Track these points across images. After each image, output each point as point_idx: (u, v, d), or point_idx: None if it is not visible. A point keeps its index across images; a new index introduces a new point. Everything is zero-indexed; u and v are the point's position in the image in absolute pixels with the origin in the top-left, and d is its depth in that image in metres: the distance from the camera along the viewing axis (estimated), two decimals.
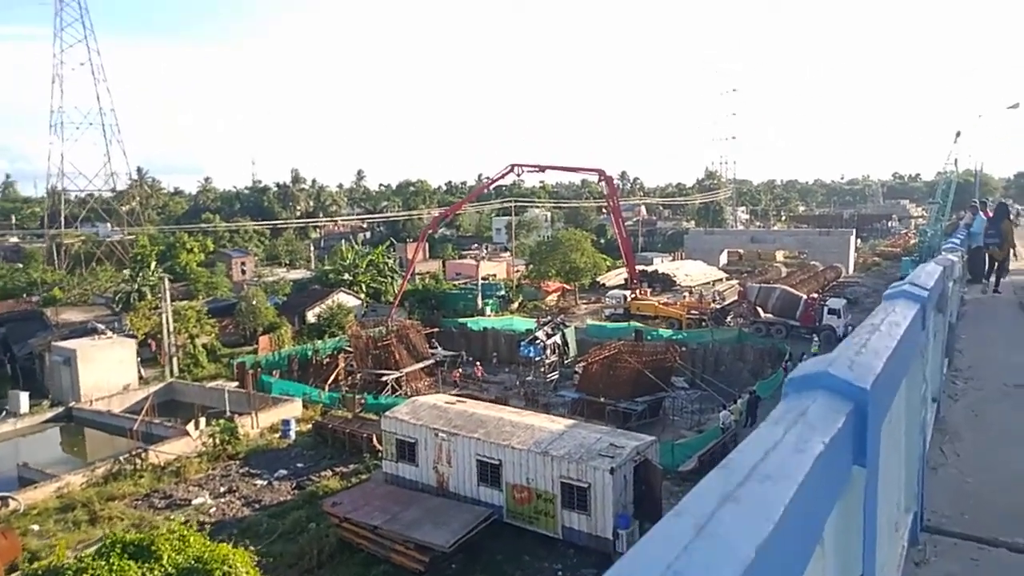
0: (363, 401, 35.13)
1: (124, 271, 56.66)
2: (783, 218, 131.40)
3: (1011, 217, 16.39)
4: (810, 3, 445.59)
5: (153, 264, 57.82)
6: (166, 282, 43.14)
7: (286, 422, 30.70)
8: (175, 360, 42.88)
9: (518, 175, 52.71)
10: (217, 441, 28.16)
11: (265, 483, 25.97)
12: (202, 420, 29.93)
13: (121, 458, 26.97)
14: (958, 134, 58.34)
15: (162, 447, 28.18)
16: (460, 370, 44.34)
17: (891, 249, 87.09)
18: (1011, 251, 15.37)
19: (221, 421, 29.22)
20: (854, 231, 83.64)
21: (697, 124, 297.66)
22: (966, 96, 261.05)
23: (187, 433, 29.01)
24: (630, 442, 20.03)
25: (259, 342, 46.22)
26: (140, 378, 40.81)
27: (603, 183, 54.10)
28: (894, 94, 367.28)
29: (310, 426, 31.47)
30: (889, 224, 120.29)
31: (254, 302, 49.58)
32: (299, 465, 27.58)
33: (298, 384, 39.24)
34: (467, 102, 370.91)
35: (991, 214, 15.92)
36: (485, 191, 75.09)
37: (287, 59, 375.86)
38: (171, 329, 42.26)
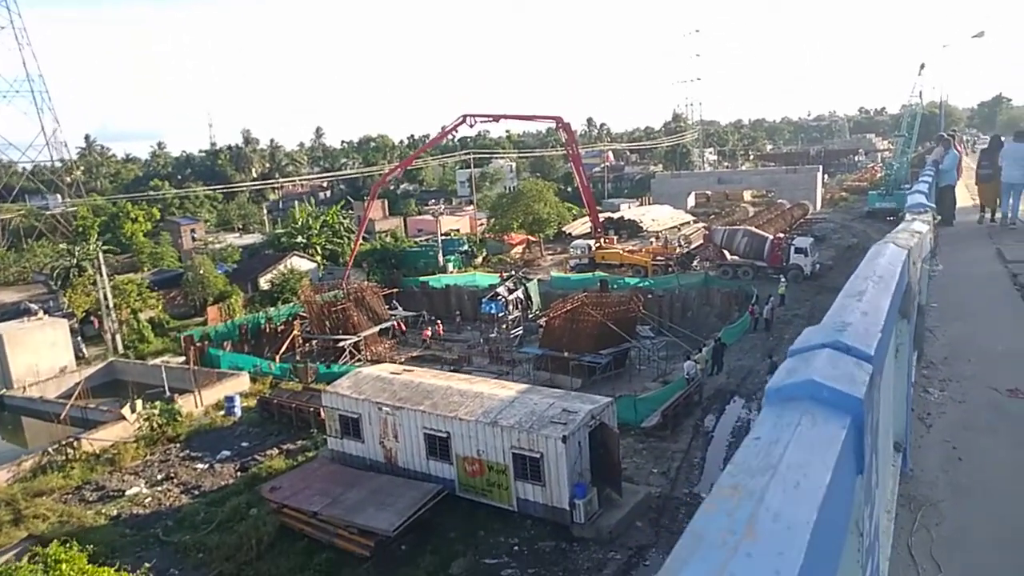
0: (315, 371, 33.44)
1: (61, 245, 53.60)
2: (751, 157, 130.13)
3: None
4: None
5: (94, 236, 54.78)
6: (100, 255, 40.54)
7: (230, 399, 28.98)
8: (118, 337, 40.71)
9: (471, 125, 50.28)
10: (155, 424, 26.37)
11: (206, 467, 24.37)
12: (139, 402, 27.99)
13: (50, 449, 25.13)
14: (922, 66, 57.25)
15: (96, 434, 26.37)
16: (429, 329, 42.82)
17: (858, 183, 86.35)
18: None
19: (158, 402, 27.35)
20: (820, 167, 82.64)
21: (662, 67, 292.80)
22: (930, 26, 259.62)
23: (123, 417, 27.18)
24: (584, 406, 18.67)
25: (208, 313, 44.08)
26: (80, 358, 38.66)
27: (561, 131, 51.90)
28: (858, 27, 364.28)
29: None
30: (856, 159, 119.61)
31: (201, 271, 47.24)
32: (243, 444, 25.99)
33: (248, 356, 37.38)
34: (430, 53, 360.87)
35: (959, 148, 14.80)
36: (441, 143, 72.26)
37: (244, 17, 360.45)
38: (111, 304, 39.95)
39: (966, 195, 17.24)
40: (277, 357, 37.59)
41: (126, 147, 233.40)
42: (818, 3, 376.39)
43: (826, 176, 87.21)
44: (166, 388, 30.63)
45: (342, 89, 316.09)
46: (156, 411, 26.63)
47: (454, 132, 55.93)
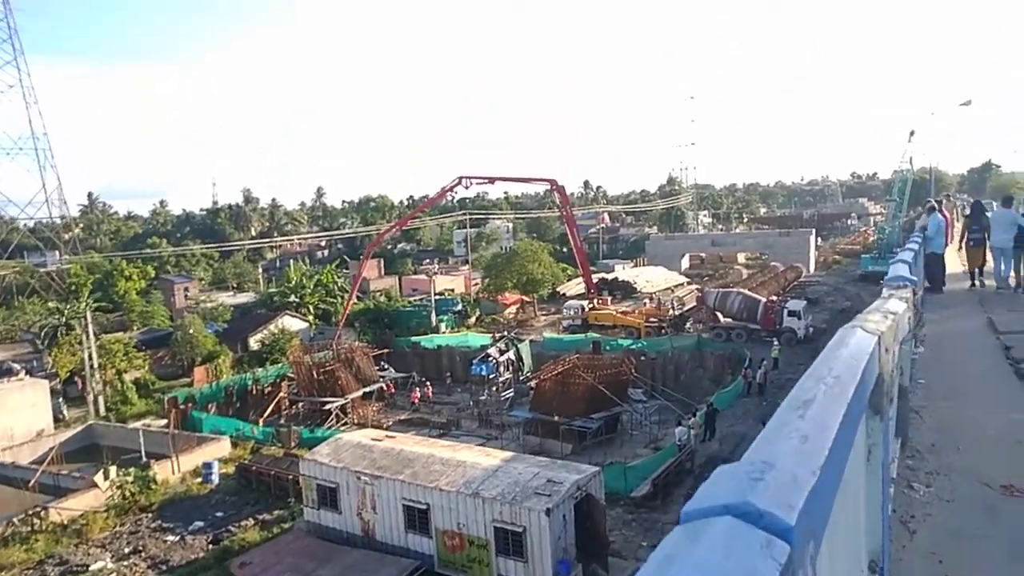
0: (298, 435, 32.57)
1: (50, 303, 53.19)
2: (745, 220, 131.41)
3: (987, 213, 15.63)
4: (764, 9, 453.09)
5: (86, 294, 54.47)
6: (88, 314, 40.08)
7: (208, 465, 28.04)
8: (100, 399, 39.88)
9: (466, 187, 50.77)
10: (128, 492, 25.40)
11: (177, 539, 23.32)
12: (112, 468, 27.05)
13: (15, 519, 24.11)
14: (912, 133, 58.63)
15: (65, 502, 25.36)
16: (418, 392, 42.06)
17: (851, 247, 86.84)
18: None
19: (132, 468, 26.44)
20: (814, 230, 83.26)
21: (658, 131, 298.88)
22: (921, 94, 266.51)
23: (95, 484, 26.21)
24: (570, 476, 17.97)
25: (194, 374, 43.34)
26: (60, 421, 37.75)
27: (555, 193, 52.31)
28: (850, 95, 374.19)
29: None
30: (849, 222, 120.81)
31: (191, 330, 46.71)
32: (218, 514, 24.98)
33: (230, 420, 36.50)
34: (433, 115, 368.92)
35: (947, 213, 14.84)
36: (439, 203, 72.86)
37: (251, 79, 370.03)
38: (95, 365, 39.27)
39: (956, 260, 17.03)
40: (261, 420, 36.71)
41: (131, 205, 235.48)
42: (811, 71, 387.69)
43: (819, 239, 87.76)
44: (143, 453, 29.73)
45: (346, 150, 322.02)
46: (129, 478, 25.71)
47: (452, 193, 56.39)
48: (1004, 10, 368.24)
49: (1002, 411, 5.45)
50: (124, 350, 42.45)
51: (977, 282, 14.03)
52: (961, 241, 15.21)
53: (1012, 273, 13.32)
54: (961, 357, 7.55)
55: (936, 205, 16.05)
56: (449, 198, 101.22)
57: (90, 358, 38.85)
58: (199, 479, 27.98)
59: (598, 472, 18.91)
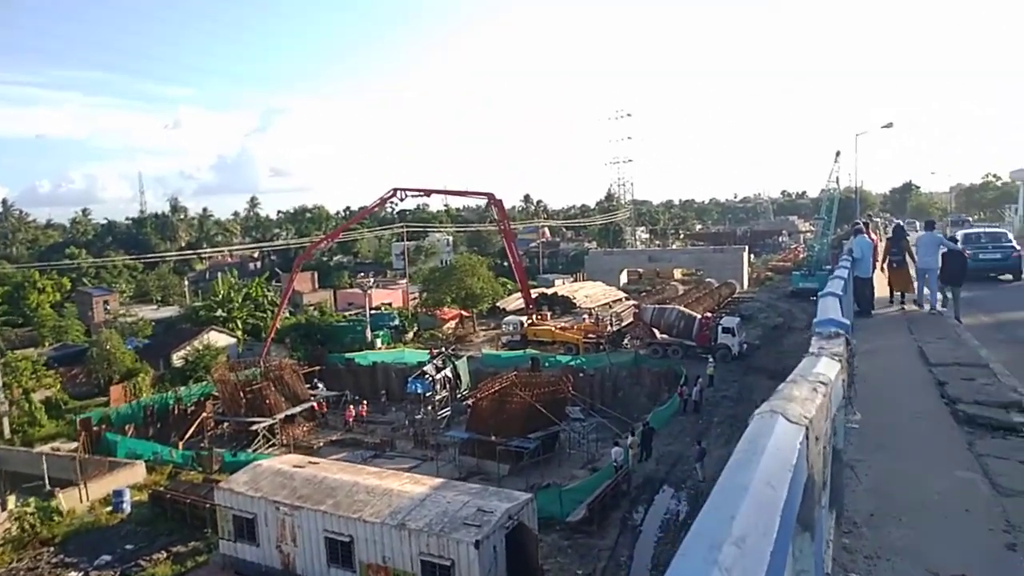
0: (220, 459, 30.89)
1: None
2: (681, 236, 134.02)
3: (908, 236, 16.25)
4: (692, 27, 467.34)
5: None
6: None
7: (118, 492, 26.15)
8: (5, 420, 37.13)
9: (401, 199, 49.72)
10: (27, 524, 23.40)
11: (81, 575, 21.56)
12: (11, 498, 24.94)
13: None
14: (838, 153, 60.42)
15: None
16: (352, 410, 40.68)
17: (782, 263, 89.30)
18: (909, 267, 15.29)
19: (31, 499, 24.41)
20: (747, 247, 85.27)
21: (597, 147, 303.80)
22: (847, 116, 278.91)
23: None
24: (501, 504, 17.28)
25: (111, 392, 40.86)
26: None
27: (493, 207, 51.86)
28: (780, 115, 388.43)
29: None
30: (780, 239, 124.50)
31: (107, 346, 44.12)
32: (128, 547, 23.20)
33: (147, 442, 34.43)
34: (372, 126, 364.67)
35: (873, 235, 15.07)
36: (374, 214, 71.46)
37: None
38: None
39: (882, 281, 17.25)
40: (181, 443, 34.74)
41: (55, 213, 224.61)
42: (745, 91, 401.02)
43: (752, 256, 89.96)
44: (46, 481, 27.58)
45: (282, 162, 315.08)
46: (29, 509, 23.72)
47: (390, 204, 55.16)
48: (924, 38, 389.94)
49: (944, 466, 5.05)
50: (32, 367, 39.68)
51: (901, 305, 14.29)
52: (883, 264, 15.41)
53: (936, 298, 13.54)
54: (894, 393, 7.23)
55: (863, 226, 16.22)
56: (389, 209, 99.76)
57: None
58: (109, 508, 26.08)
59: (531, 499, 18.29)
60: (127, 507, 25.88)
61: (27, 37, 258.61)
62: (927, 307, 13.60)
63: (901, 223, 18.24)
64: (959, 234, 17.83)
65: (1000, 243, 19.98)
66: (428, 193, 51.33)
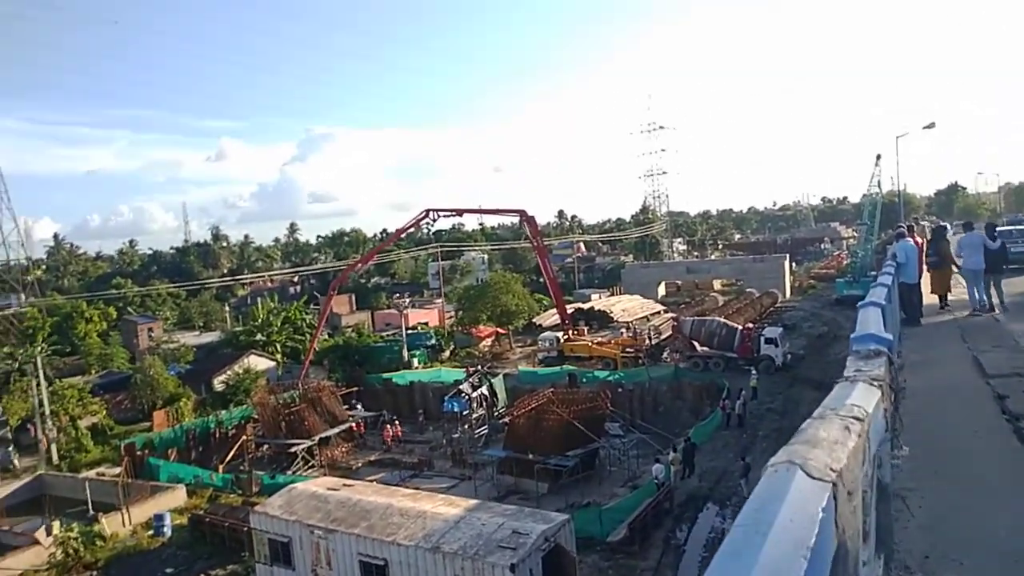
0: (259, 481, 30.96)
1: (5, 348, 51.08)
2: (719, 247, 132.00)
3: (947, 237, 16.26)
4: (726, 32, 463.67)
5: (41, 337, 52.41)
6: (38, 358, 38.28)
7: (159, 517, 26.33)
8: (54, 446, 37.95)
9: (434, 220, 49.86)
10: (70, 549, 23.67)
11: None
12: (56, 523, 25.29)
13: None
14: (879, 157, 58.87)
15: (3, 562, 23.55)
16: (390, 430, 40.59)
17: (825, 271, 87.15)
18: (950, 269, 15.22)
19: (75, 524, 24.72)
20: (788, 255, 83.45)
21: (632, 159, 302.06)
22: (886, 119, 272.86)
23: (37, 541, 24.44)
24: (537, 526, 16.77)
25: (154, 418, 41.52)
26: (9, 470, 35.80)
27: (525, 224, 51.64)
28: (819, 121, 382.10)
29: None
30: (822, 246, 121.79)
31: (151, 372, 44.94)
32: (168, 571, 23.31)
33: (189, 466, 34.77)
34: (410, 149, 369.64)
35: (919, 239, 14.37)
36: (409, 234, 71.88)
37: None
38: (47, 411, 37.41)
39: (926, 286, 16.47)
40: (221, 466, 35.00)
41: (105, 245, 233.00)
42: (780, 98, 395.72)
43: (793, 264, 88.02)
44: (89, 505, 27.94)
45: (323, 188, 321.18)
46: (73, 534, 24.00)
47: (425, 225, 55.54)
48: (965, 37, 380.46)
49: (1009, 496, 4.39)
50: (78, 395, 40.57)
51: (943, 306, 14.34)
52: (921, 266, 14.90)
53: (984, 296, 13.57)
54: (949, 410, 6.55)
55: (906, 230, 15.45)
56: (425, 230, 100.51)
57: (41, 404, 37.01)
58: (151, 532, 26.28)
59: (568, 520, 17.72)
60: (168, 531, 26.04)
61: (76, 78, 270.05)
62: (975, 307, 13.54)
63: (945, 224, 18.29)
64: (998, 231, 17.48)
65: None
66: (460, 213, 51.46)
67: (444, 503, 18.77)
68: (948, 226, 20.45)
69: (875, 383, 2.50)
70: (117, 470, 34.92)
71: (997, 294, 13.61)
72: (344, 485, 21.11)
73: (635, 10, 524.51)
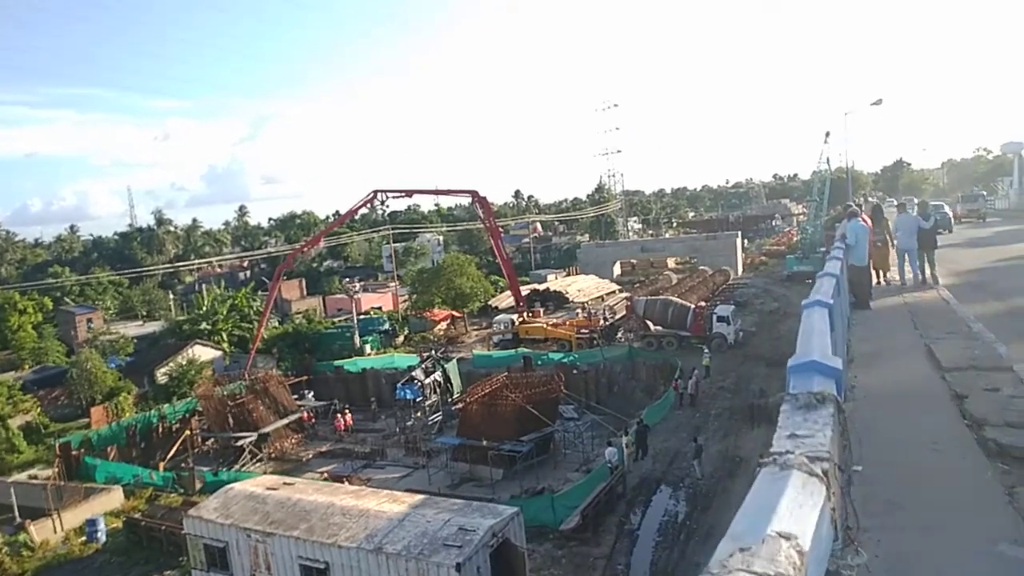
0: (202, 478, 29.74)
1: None
2: (674, 225, 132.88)
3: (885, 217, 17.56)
4: (678, 14, 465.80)
5: None
6: None
7: (91, 521, 24.97)
8: None
9: (382, 201, 48.50)
10: None
11: None
12: None
13: None
14: (827, 134, 59.36)
15: None
16: (341, 419, 39.51)
17: (776, 248, 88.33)
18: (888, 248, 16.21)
19: None
20: (740, 233, 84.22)
21: (587, 139, 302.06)
22: (835, 95, 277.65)
23: None
24: (484, 521, 16.17)
25: (91, 414, 39.65)
26: None
27: (477, 205, 50.67)
28: (768, 99, 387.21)
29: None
30: (773, 223, 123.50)
31: (88, 366, 42.86)
32: None
33: (128, 465, 33.26)
34: (361, 130, 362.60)
35: (866, 219, 14.32)
36: (348, 219, 70.21)
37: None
38: None
39: None
40: (162, 464, 33.58)
41: (47, 231, 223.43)
42: (731, 75, 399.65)
43: (745, 241, 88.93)
44: (15, 512, 26.38)
45: (274, 170, 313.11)
46: None
47: (382, 207, 53.74)
48: (912, 10, 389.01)
49: (980, 533, 3.75)
50: (8, 393, 38.44)
51: (883, 281, 15.52)
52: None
53: (918, 272, 14.87)
54: (903, 414, 5.97)
55: (856, 209, 15.22)
56: (380, 211, 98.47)
57: None
58: (83, 538, 24.93)
59: (517, 513, 17.15)
60: (102, 536, 24.73)
61: (15, 55, 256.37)
62: (908, 280, 14.88)
63: (880, 205, 20.27)
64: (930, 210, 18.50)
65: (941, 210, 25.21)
66: (410, 194, 50.22)
67: (388, 500, 18.03)
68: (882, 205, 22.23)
69: (817, 469, 1.81)
70: (51, 471, 33.26)
71: (930, 268, 14.67)
72: (284, 484, 20.18)
73: None
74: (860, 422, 5.31)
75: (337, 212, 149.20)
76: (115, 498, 28.13)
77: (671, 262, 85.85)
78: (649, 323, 44.16)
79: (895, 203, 23.87)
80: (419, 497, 18.73)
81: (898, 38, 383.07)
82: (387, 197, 47.77)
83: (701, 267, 71.09)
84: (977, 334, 8.30)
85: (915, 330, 9.14)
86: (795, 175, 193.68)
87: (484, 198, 49.69)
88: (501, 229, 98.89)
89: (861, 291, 11.87)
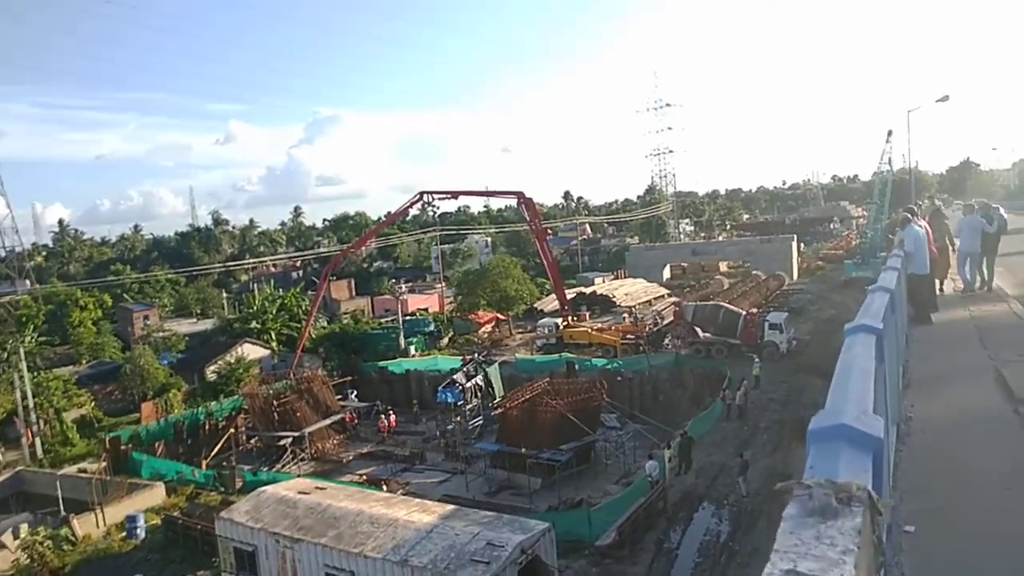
0: (242, 477, 29.93)
1: None
2: (727, 227, 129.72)
3: (946, 220, 16.73)
4: (736, 14, 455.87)
5: (33, 327, 51.53)
6: (21, 349, 37.31)
7: (132, 518, 25.31)
8: (38, 440, 37.08)
9: (428, 202, 48.41)
10: (35, 554, 22.68)
11: None
12: (23, 525, 24.31)
13: None
14: (890, 133, 57.07)
15: None
16: (384, 421, 39.51)
17: (834, 252, 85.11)
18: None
19: (40, 527, 23.71)
20: (795, 236, 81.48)
21: (637, 140, 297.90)
22: (898, 93, 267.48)
23: (2, 545, 23.48)
24: (514, 536, 15.54)
25: (142, 409, 40.57)
26: None
27: (523, 207, 50.11)
28: (828, 97, 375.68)
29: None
30: (831, 226, 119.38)
31: (141, 362, 43.96)
32: None
33: (172, 461, 33.79)
34: (418, 134, 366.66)
35: (926, 222, 13.21)
36: (395, 221, 70.55)
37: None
38: (29, 404, 36.50)
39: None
40: (205, 462, 33.98)
41: (115, 230, 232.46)
42: (790, 74, 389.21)
43: (802, 245, 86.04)
44: (60, 504, 26.95)
45: (331, 171, 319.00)
46: (40, 537, 23.01)
47: (431, 209, 53.82)
48: (979, 7, 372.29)
49: None
50: (63, 387, 39.62)
51: (943, 289, 14.69)
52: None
53: (977, 277, 14.19)
54: (967, 455, 5.02)
55: (909, 215, 13.86)
56: (431, 213, 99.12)
57: (23, 397, 36.09)
58: (123, 534, 25.28)
59: (548, 529, 16.47)
60: (141, 533, 25.04)
61: (84, 63, 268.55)
62: (968, 288, 14.11)
63: (938, 208, 18.79)
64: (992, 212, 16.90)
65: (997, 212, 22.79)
66: (456, 195, 50.02)
67: (418, 509, 17.59)
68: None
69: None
70: (98, 465, 34.04)
71: (988, 274, 14.12)
72: (316, 488, 19.96)
73: None
74: (916, 463, 4.48)
75: (388, 213, 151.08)
76: (157, 494, 28.52)
77: (723, 266, 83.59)
78: (698, 329, 42.77)
79: (960, 204, 22.23)
80: (449, 508, 18.22)
81: (965, 32, 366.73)
82: (433, 198, 47.69)
83: (754, 272, 68.89)
84: None
85: (984, 350, 8.09)
86: (855, 176, 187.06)
87: (530, 200, 49.08)
88: (549, 231, 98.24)
89: (921, 304, 10.79)
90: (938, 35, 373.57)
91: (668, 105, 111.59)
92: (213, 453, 35.72)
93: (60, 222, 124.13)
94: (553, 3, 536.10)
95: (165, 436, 38.19)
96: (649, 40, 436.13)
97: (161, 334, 53.88)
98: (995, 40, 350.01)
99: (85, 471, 32.96)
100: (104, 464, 31.48)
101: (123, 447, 34.83)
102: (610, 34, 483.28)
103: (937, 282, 14.29)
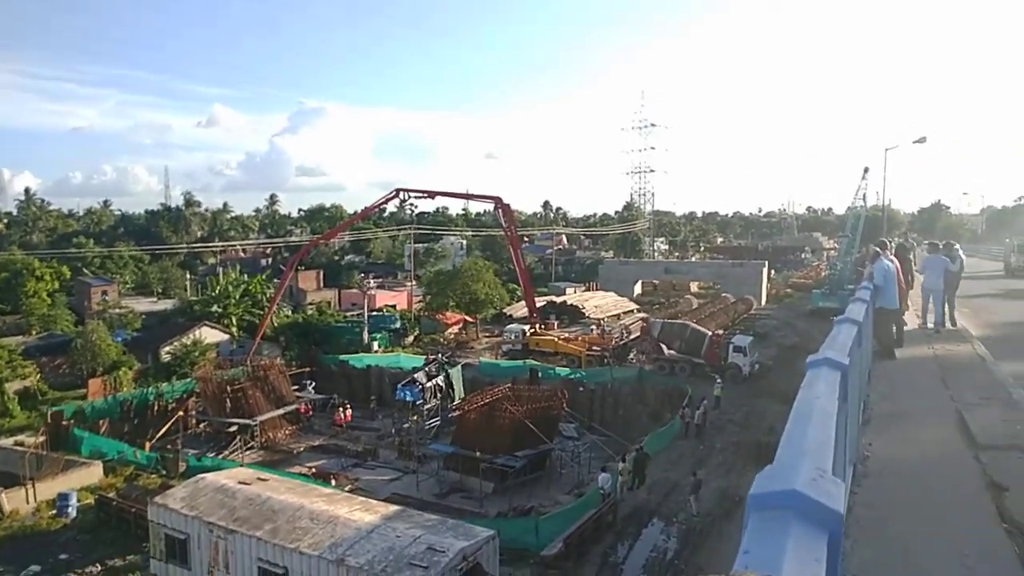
0: (185, 462, 28.99)
1: None
2: (701, 249, 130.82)
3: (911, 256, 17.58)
4: (725, 41, 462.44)
5: None
6: None
7: (63, 496, 24.29)
8: None
9: (403, 200, 47.79)
10: None
11: None
12: None
13: None
14: (866, 170, 57.68)
15: None
16: (341, 414, 38.74)
17: (803, 281, 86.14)
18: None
19: None
20: (767, 262, 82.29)
21: (620, 156, 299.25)
22: (876, 131, 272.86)
23: None
24: (456, 542, 15.07)
25: (89, 385, 39.26)
26: None
27: (500, 211, 49.75)
28: (809, 131, 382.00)
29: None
30: (802, 256, 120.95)
31: (93, 337, 42.59)
32: (62, 557, 21.29)
33: (114, 441, 32.64)
34: (401, 133, 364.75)
35: (893, 259, 12.99)
36: (367, 217, 69.78)
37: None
38: None
39: None
40: (149, 443, 32.90)
41: (85, 203, 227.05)
42: (774, 106, 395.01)
43: (772, 271, 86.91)
44: None
45: (312, 162, 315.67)
46: None
47: (411, 206, 53.28)
48: (958, 53, 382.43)
49: None
50: (8, 356, 38.19)
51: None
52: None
53: (941, 315, 14.45)
54: (925, 506, 4.65)
55: (879, 249, 13.63)
56: (408, 211, 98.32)
57: None
58: (54, 512, 24.24)
59: (492, 536, 16.02)
60: (72, 512, 24.01)
61: (69, 35, 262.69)
62: (931, 325, 14.37)
63: (903, 243, 19.53)
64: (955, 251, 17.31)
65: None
66: (432, 195, 49.48)
67: (361, 508, 17.02)
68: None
69: None
70: (39, 439, 32.78)
71: (949, 310, 14.62)
72: (257, 479, 19.26)
73: (636, 20, 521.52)
74: (868, 513, 4.12)
75: (365, 207, 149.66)
76: (94, 473, 27.47)
77: (694, 286, 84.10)
78: (663, 346, 42.75)
79: (926, 244, 22.85)
80: (393, 508, 17.66)
81: (946, 79, 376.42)
82: (409, 196, 47.09)
83: (724, 294, 69.37)
84: (1018, 402, 6.99)
85: (946, 390, 7.84)
86: (830, 209, 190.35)
87: (507, 205, 48.79)
88: (525, 239, 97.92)
89: (888, 338, 10.59)
90: (920, 78, 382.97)
91: (653, 125, 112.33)
92: (159, 435, 34.61)
93: (27, 190, 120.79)
94: (553, 21, 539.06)
95: (111, 414, 36.92)
96: (639, 62, 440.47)
97: (118, 311, 52.35)
98: (971, 87, 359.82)
99: (22, 444, 31.70)
100: (43, 438, 30.24)
101: (65, 422, 33.59)
102: (602, 59, 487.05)
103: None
